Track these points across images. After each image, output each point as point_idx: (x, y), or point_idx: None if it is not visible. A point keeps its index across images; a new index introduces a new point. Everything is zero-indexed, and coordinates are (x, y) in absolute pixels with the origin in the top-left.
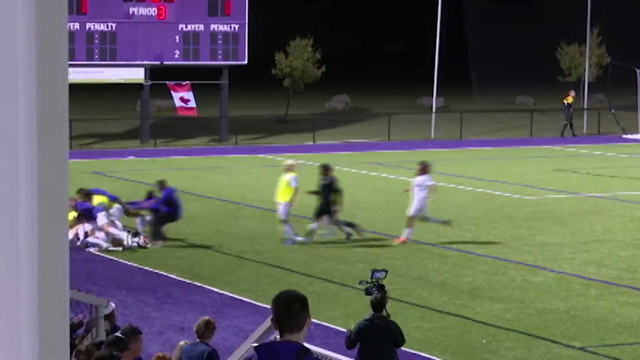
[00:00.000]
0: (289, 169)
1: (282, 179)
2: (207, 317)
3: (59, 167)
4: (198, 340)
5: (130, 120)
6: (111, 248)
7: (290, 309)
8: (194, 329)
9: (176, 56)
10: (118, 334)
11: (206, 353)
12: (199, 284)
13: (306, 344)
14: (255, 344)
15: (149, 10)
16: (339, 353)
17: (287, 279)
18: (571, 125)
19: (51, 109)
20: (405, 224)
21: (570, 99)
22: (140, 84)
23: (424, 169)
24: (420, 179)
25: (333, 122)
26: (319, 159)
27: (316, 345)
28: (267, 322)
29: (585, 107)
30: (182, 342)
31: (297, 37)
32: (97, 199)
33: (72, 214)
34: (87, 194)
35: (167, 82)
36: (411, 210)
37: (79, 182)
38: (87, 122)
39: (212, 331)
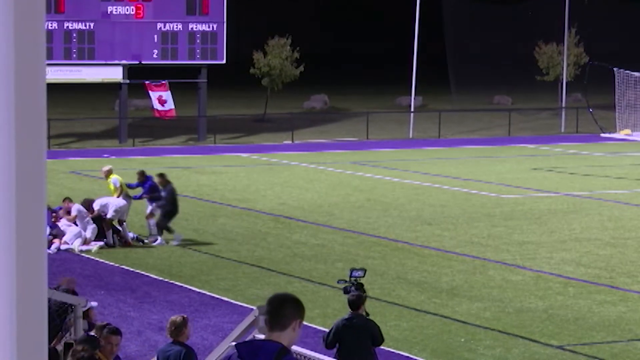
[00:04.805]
0: (109, 173)
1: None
2: (175, 316)
3: (37, 166)
4: (172, 340)
5: (108, 120)
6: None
7: (280, 308)
8: (166, 330)
9: (154, 56)
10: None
11: (182, 353)
12: (178, 283)
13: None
14: (235, 342)
15: (127, 10)
16: (317, 352)
17: (265, 278)
18: None
19: (29, 109)
20: None
21: None
22: (119, 84)
23: None
24: None
25: (311, 121)
26: (297, 158)
27: (294, 344)
28: (247, 321)
29: (563, 106)
30: None
31: (275, 36)
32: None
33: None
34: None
35: (145, 81)
36: None
37: (56, 181)
38: (65, 121)
39: (182, 329)
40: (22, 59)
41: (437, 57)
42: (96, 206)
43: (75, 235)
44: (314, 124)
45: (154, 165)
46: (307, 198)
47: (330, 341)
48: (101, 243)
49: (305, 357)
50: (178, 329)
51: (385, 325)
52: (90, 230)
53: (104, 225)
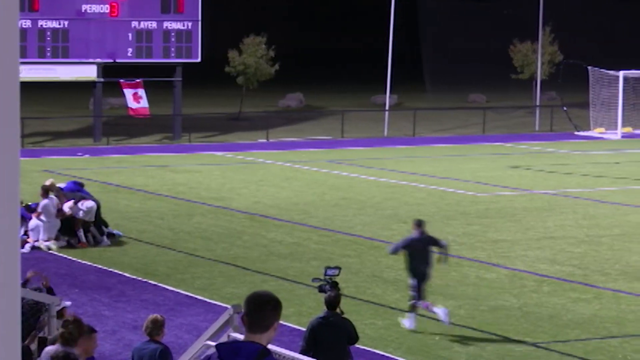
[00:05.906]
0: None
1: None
2: (154, 315)
3: (10, 166)
4: (149, 339)
5: (82, 119)
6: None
7: (261, 309)
8: (143, 327)
9: (129, 54)
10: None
11: (158, 351)
12: (153, 282)
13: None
14: (216, 342)
15: (102, 8)
16: (293, 351)
17: (241, 277)
18: None
19: (2, 107)
20: None
21: None
22: (93, 82)
23: None
24: None
25: (287, 119)
26: (272, 157)
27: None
28: (222, 319)
29: (537, 104)
30: None
31: (250, 34)
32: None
33: None
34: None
35: (120, 79)
36: None
37: (30, 180)
38: (39, 120)
39: (161, 328)
40: None
41: (413, 55)
42: (66, 208)
43: (35, 232)
44: (289, 123)
45: (128, 164)
46: (282, 196)
47: (307, 341)
48: (63, 242)
49: (284, 356)
50: (158, 328)
51: (361, 324)
52: (54, 227)
53: (75, 225)
